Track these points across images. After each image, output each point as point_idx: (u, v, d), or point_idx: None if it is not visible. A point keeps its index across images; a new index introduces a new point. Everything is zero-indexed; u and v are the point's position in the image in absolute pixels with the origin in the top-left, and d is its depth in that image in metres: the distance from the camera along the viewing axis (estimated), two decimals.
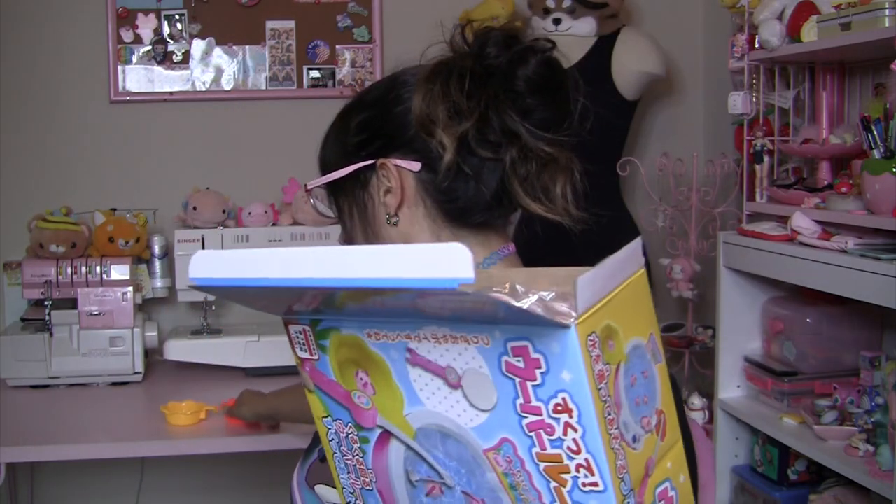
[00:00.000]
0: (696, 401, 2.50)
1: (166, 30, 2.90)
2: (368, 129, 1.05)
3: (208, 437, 2.13)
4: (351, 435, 0.73)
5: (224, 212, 2.73)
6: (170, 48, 2.90)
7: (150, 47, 2.90)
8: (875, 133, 1.84)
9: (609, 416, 0.61)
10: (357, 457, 0.74)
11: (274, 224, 2.77)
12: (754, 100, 2.32)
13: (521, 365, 0.61)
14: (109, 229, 2.62)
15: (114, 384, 2.51)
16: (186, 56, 2.91)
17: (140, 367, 2.50)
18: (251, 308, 0.74)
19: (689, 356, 2.71)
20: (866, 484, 1.82)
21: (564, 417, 0.60)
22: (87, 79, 2.89)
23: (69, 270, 2.56)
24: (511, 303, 0.58)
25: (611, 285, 0.62)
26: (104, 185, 2.89)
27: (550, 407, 0.61)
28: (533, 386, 0.61)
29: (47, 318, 2.51)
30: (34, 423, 2.26)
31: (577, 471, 0.62)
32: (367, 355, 0.69)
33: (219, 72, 2.94)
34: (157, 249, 2.70)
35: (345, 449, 0.74)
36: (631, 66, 2.70)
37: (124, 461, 2.68)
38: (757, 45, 2.22)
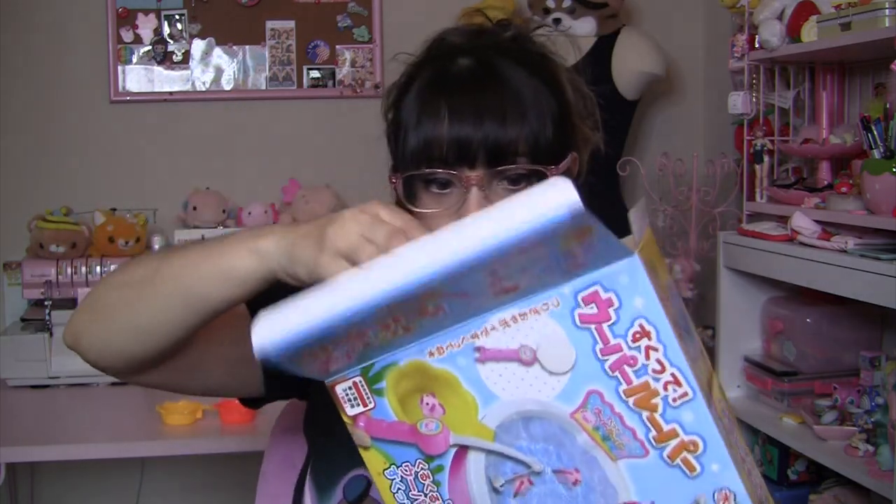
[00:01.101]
0: None
1: (166, 30, 2.90)
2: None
3: (208, 437, 2.13)
4: (421, 472, 0.73)
5: (224, 212, 2.73)
6: (170, 48, 2.90)
7: (150, 47, 2.90)
8: (875, 133, 1.84)
9: (678, 332, 0.65)
10: (431, 493, 0.73)
11: (274, 224, 2.77)
12: (754, 100, 2.32)
13: (595, 311, 0.64)
14: (109, 229, 2.63)
15: (114, 384, 2.50)
16: (186, 56, 2.92)
17: None
18: (315, 375, 0.71)
19: None
20: (866, 484, 1.82)
21: (644, 342, 0.64)
22: (87, 79, 2.89)
23: (69, 270, 2.56)
24: (602, 226, 0.60)
25: (642, 229, 0.67)
26: (104, 185, 2.89)
27: (629, 338, 0.64)
28: (609, 326, 0.64)
29: (47, 318, 2.51)
30: (34, 423, 2.26)
31: (666, 388, 0.65)
32: (431, 376, 0.70)
33: (219, 72, 2.94)
34: (157, 249, 2.70)
35: (415, 493, 0.73)
36: (631, 66, 2.70)
37: (124, 461, 2.68)
38: (757, 45, 2.22)
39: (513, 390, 0.68)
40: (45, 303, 2.54)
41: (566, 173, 0.95)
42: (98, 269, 2.57)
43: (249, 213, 2.74)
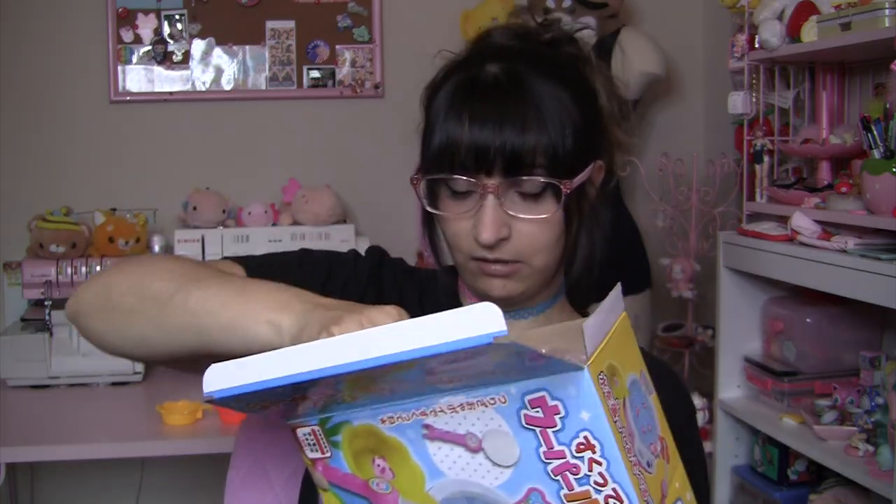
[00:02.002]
0: (697, 401, 2.50)
1: (166, 30, 2.90)
2: None
3: (208, 437, 2.13)
4: None
5: (224, 212, 2.73)
6: (170, 48, 2.90)
7: (150, 47, 2.90)
8: (875, 133, 1.84)
9: (627, 446, 0.65)
10: None
11: (274, 224, 2.77)
12: (754, 100, 2.32)
13: (540, 414, 0.64)
14: (109, 229, 2.62)
15: (113, 384, 2.51)
16: (186, 56, 2.92)
17: (140, 367, 2.50)
18: (266, 417, 0.75)
19: (689, 356, 2.71)
20: (866, 484, 1.82)
21: (588, 454, 0.64)
22: (87, 79, 2.89)
23: (69, 270, 2.56)
24: (538, 350, 0.60)
25: (606, 328, 0.67)
26: (104, 185, 2.89)
27: (573, 447, 0.64)
28: (554, 432, 0.64)
29: (47, 318, 2.51)
30: (34, 423, 2.26)
31: (607, 502, 0.65)
32: (383, 441, 0.71)
33: (219, 72, 2.94)
34: (157, 249, 2.70)
35: None
36: (631, 66, 2.70)
37: (124, 461, 2.68)
38: (757, 45, 2.22)
39: (458, 471, 0.69)
40: (45, 303, 2.53)
41: (588, 182, 0.96)
42: (98, 269, 2.56)
43: (249, 213, 2.74)
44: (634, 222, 2.82)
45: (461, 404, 0.67)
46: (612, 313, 0.69)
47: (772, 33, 2.13)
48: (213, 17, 2.91)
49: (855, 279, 1.80)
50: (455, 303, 1.07)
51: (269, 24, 2.93)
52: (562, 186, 0.91)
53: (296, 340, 0.74)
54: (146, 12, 2.88)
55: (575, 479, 0.65)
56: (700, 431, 1.14)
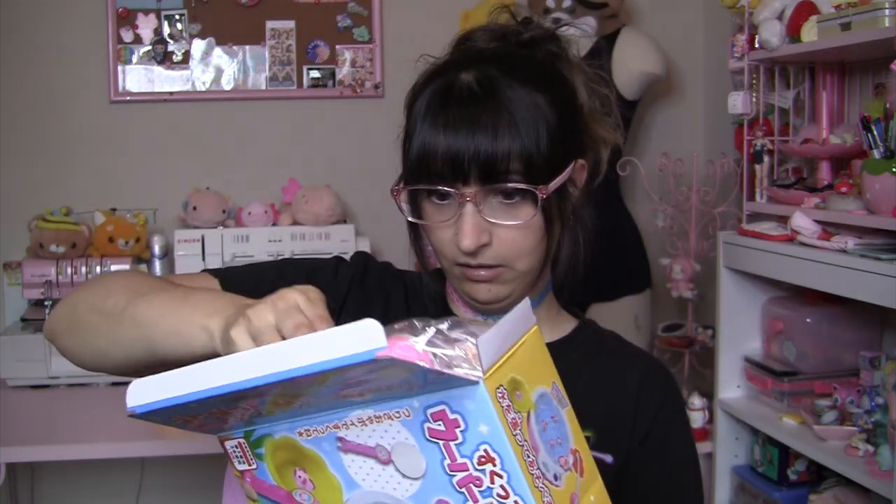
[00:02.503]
0: (696, 401, 2.50)
1: (166, 30, 2.90)
2: None
3: (208, 436, 2.13)
4: None
5: (224, 212, 2.73)
6: (170, 48, 2.90)
7: (150, 47, 2.90)
8: (875, 133, 1.84)
9: (528, 459, 0.66)
10: None
11: (274, 224, 2.77)
12: (754, 100, 2.32)
13: (442, 428, 0.66)
14: (109, 229, 2.63)
15: (114, 384, 2.51)
16: (186, 56, 2.92)
17: None
18: (193, 431, 0.78)
19: (689, 356, 2.71)
20: (866, 484, 1.82)
21: (489, 467, 0.65)
22: (87, 79, 2.89)
23: (69, 270, 2.56)
24: (422, 364, 0.62)
25: (509, 342, 0.68)
26: (104, 185, 2.89)
27: (475, 460, 0.66)
28: (456, 445, 0.66)
29: (47, 318, 2.51)
30: (34, 423, 2.26)
31: None
32: (302, 453, 0.73)
33: (219, 72, 2.94)
34: (157, 249, 2.70)
35: None
36: (631, 66, 2.70)
37: (124, 461, 2.68)
38: (757, 45, 2.22)
39: (371, 482, 0.70)
40: (45, 303, 2.54)
41: (569, 182, 0.96)
42: (98, 269, 2.57)
43: (249, 213, 2.74)
44: (634, 222, 2.82)
45: (370, 417, 0.68)
46: (520, 326, 0.70)
47: (772, 33, 2.13)
48: (213, 17, 2.91)
49: (855, 279, 1.80)
50: (442, 307, 1.07)
51: (269, 24, 2.93)
52: (537, 192, 0.91)
53: (224, 340, 0.76)
54: (146, 12, 2.88)
55: (479, 491, 0.66)
56: (699, 431, 1.14)
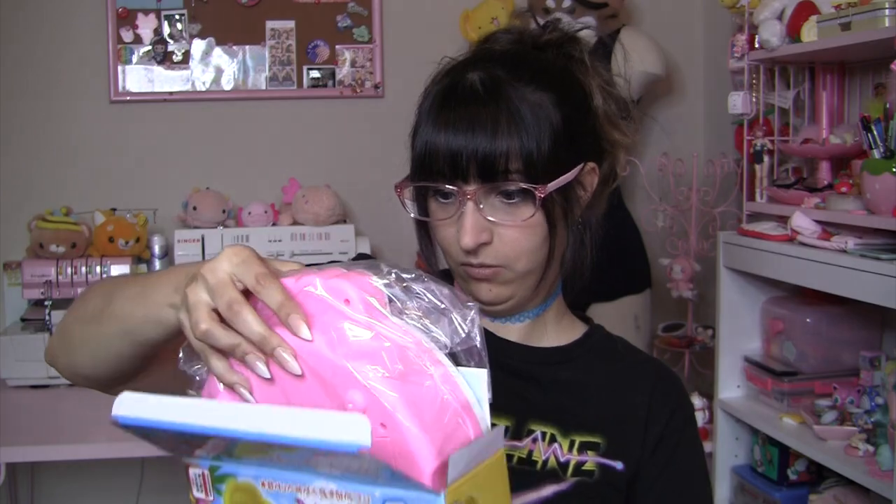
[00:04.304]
0: (696, 401, 2.50)
1: (166, 30, 2.90)
2: None
3: None
4: None
5: (224, 212, 2.73)
6: (170, 48, 2.90)
7: (150, 47, 2.90)
8: (875, 133, 1.84)
9: None
10: None
11: (274, 224, 2.77)
12: (754, 100, 2.32)
13: None
14: (109, 229, 2.63)
15: None
16: (186, 56, 2.92)
17: None
18: (162, 449, 0.78)
19: (689, 356, 2.71)
20: (866, 484, 1.82)
21: None
22: (87, 79, 2.89)
23: (69, 270, 2.56)
24: (399, 470, 0.64)
25: (475, 462, 0.70)
26: (104, 185, 2.89)
27: None
28: None
29: (47, 318, 2.51)
30: (34, 423, 2.26)
31: None
32: (260, 502, 0.74)
33: (219, 72, 2.94)
34: (157, 249, 2.70)
35: None
36: (631, 66, 2.70)
37: (124, 461, 2.68)
38: (757, 45, 2.22)
39: None
40: (45, 303, 2.53)
41: (576, 185, 0.96)
42: (98, 269, 2.57)
43: (249, 213, 2.74)
44: (634, 222, 2.82)
45: (332, 492, 0.69)
46: (489, 449, 0.72)
47: (772, 33, 2.13)
48: (213, 17, 2.91)
49: (855, 279, 1.80)
50: None
51: (269, 24, 2.93)
52: (536, 191, 0.91)
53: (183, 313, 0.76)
54: (146, 12, 2.88)
55: None
56: (699, 431, 1.14)
